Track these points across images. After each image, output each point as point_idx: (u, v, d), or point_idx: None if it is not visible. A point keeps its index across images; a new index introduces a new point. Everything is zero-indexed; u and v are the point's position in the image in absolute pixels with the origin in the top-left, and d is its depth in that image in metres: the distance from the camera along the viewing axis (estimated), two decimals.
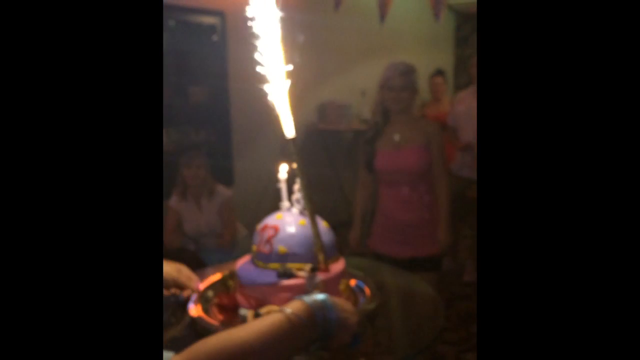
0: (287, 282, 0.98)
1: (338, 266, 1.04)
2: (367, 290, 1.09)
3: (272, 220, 1.05)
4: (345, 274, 1.06)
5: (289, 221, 1.04)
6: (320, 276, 0.97)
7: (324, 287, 0.95)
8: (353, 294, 1.08)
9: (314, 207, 1.01)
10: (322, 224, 1.06)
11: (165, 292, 1.09)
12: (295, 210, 1.06)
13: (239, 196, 3.41)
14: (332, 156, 4.48)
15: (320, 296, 0.79)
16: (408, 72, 2.08)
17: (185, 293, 1.10)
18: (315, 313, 0.76)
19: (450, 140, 3.15)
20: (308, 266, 1.00)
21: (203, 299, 1.07)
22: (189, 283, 1.09)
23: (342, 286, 1.03)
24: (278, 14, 0.95)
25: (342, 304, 0.81)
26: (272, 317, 0.73)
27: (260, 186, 4.06)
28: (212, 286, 1.13)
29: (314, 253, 1.00)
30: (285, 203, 1.09)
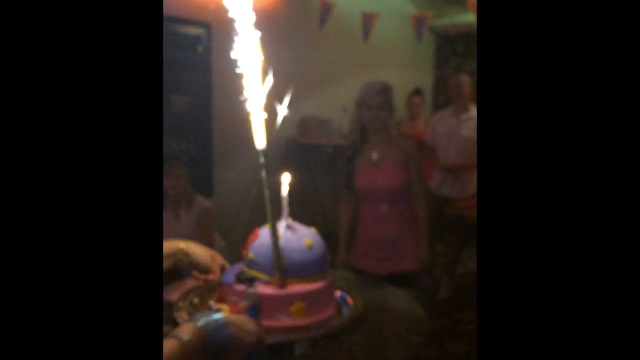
0: (238, 286, 1.02)
1: (323, 282, 1.06)
2: (350, 301, 1.12)
3: (265, 227, 1.09)
4: (333, 289, 1.11)
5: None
6: (258, 289, 1.00)
7: (257, 299, 0.97)
8: (337, 305, 1.11)
9: (275, 220, 1.03)
10: (318, 238, 1.10)
11: (197, 275, 1.18)
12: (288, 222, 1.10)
13: (218, 207, 3.40)
14: (313, 170, 4.51)
15: (215, 316, 0.81)
16: (384, 90, 2.10)
17: (211, 277, 1.18)
18: (207, 334, 0.77)
19: (428, 159, 3.20)
20: (264, 276, 1.03)
21: (191, 305, 1.08)
22: (218, 271, 1.19)
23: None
24: (252, 24, 0.99)
25: (242, 323, 0.82)
26: (166, 343, 0.73)
27: (239, 197, 4.06)
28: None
29: (274, 265, 1.02)
30: (284, 215, 1.12)
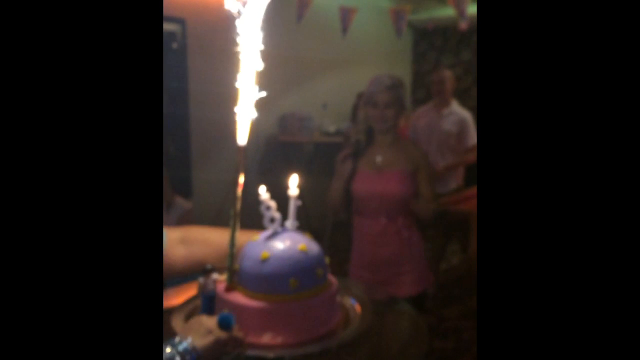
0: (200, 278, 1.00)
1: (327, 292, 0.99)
2: (358, 308, 1.06)
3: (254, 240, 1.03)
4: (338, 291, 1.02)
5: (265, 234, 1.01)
6: (211, 280, 0.98)
7: (209, 291, 0.97)
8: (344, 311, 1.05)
9: (236, 220, 0.98)
10: (314, 246, 1.00)
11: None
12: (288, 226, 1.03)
13: (197, 208, 3.32)
14: (293, 168, 4.45)
15: (182, 344, 0.81)
16: (394, 86, 1.89)
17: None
18: None
19: None
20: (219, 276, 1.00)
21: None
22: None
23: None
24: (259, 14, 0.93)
25: (210, 345, 0.83)
26: None
27: (219, 198, 3.97)
28: None
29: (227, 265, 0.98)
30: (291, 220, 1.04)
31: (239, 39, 0.92)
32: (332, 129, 4.45)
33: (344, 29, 4.03)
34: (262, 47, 0.94)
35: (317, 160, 4.53)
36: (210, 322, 0.86)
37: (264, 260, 0.96)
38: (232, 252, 0.97)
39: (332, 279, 1.04)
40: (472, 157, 3.32)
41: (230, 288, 0.99)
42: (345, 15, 3.96)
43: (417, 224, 1.99)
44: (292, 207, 1.01)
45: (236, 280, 0.99)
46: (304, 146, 4.52)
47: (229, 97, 0.95)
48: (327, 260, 1.02)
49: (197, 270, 1.06)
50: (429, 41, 6.09)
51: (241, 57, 0.93)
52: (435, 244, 3.55)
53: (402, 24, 3.69)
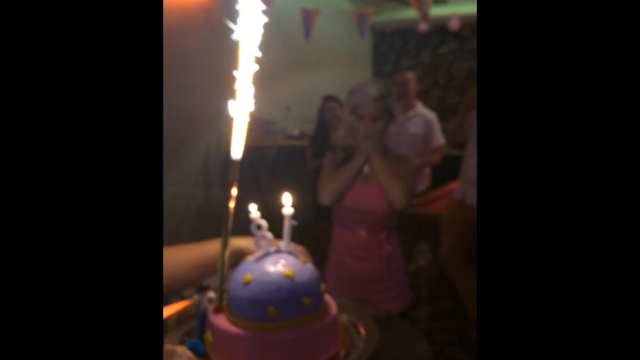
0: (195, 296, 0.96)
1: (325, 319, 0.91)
2: (362, 330, 1.00)
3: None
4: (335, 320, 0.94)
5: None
6: (206, 298, 0.94)
7: (202, 309, 0.92)
8: (347, 334, 0.99)
9: (227, 237, 0.91)
10: (306, 271, 0.91)
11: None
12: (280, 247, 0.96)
13: None
14: (257, 172, 4.37)
15: None
16: (382, 96, 1.71)
17: None
18: None
19: None
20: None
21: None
22: None
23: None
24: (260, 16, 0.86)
25: None
26: None
27: (180, 210, 3.85)
28: None
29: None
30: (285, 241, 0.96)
31: (237, 32, 0.84)
32: (295, 132, 4.40)
33: (307, 32, 3.98)
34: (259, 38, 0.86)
35: (282, 164, 4.47)
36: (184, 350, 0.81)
37: (246, 284, 0.90)
38: (222, 270, 0.91)
39: (331, 306, 0.95)
40: (438, 157, 3.34)
41: (218, 310, 0.94)
42: (308, 17, 3.91)
43: (400, 238, 1.90)
44: (286, 227, 0.94)
45: (225, 302, 0.94)
46: (267, 150, 4.44)
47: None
48: (322, 287, 0.94)
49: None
50: (389, 43, 6.14)
51: (241, 52, 0.85)
52: (404, 246, 3.56)
53: (365, 26, 3.68)
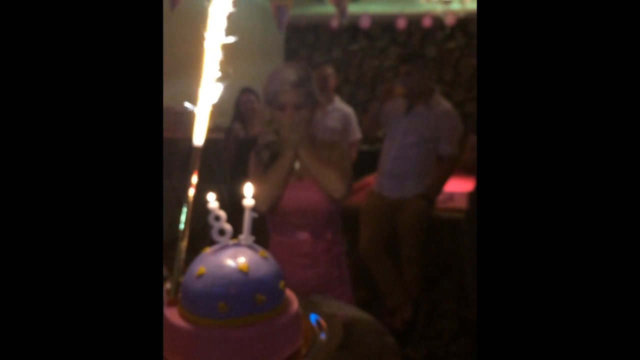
0: None
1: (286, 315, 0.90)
2: (324, 324, 0.99)
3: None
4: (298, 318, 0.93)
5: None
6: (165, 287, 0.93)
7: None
8: (311, 329, 0.97)
9: (186, 227, 0.94)
10: (263, 267, 0.90)
11: None
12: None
13: None
14: (169, 167, 4.19)
15: None
16: (302, 81, 1.53)
17: None
18: None
19: None
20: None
21: None
22: None
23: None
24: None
25: None
26: None
27: None
28: None
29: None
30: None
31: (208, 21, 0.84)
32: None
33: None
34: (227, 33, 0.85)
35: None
36: None
37: (199, 277, 0.87)
38: (178, 262, 0.88)
39: (291, 303, 0.94)
40: (355, 152, 3.43)
41: (171, 302, 0.91)
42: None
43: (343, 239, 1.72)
44: (247, 219, 0.91)
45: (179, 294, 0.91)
46: (179, 142, 4.26)
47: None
48: (281, 284, 0.92)
49: None
50: (301, 38, 6.17)
51: (207, 36, 0.84)
52: None
53: (283, 18, 3.66)
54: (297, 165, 1.60)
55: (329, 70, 3.36)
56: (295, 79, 1.53)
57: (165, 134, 4.00)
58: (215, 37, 0.85)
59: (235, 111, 3.64)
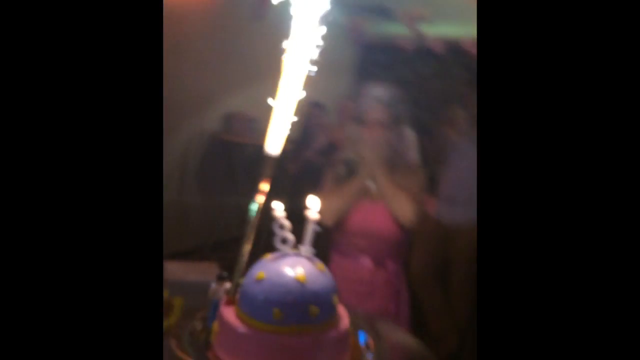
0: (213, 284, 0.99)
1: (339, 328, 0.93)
2: (372, 344, 1.01)
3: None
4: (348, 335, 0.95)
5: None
6: (223, 287, 0.96)
7: (217, 298, 0.94)
8: (358, 348, 0.99)
9: (252, 232, 0.96)
10: (320, 280, 0.93)
11: None
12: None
13: None
14: (235, 169, 4.34)
15: None
16: (395, 102, 1.51)
17: None
18: None
19: None
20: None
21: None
22: None
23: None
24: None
25: None
26: None
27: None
28: None
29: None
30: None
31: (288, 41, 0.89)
32: None
33: None
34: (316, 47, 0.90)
35: (260, 164, 4.45)
36: None
37: (258, 281, 0.90)
38: (241, 264, 0.93)
39: (342, 319, 0.95)
40: None
41: (229, 302, 0.95)
42: None
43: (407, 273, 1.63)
44: (309, 231, 0.95)
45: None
46: (247, 147, 4.41)
47: None
48: (334, 299, 0.94)
49: None
50: (373, 56, 6.19)
51: (287, 56, 0.90)
52: None
53: (361, 36, 3.72)
54: (371, 185, 1.53)
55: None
56: (387, 98, 1.51)
57: (234, 138, 4.17)
58: (297, 51, 0.90)
59: (302, 124, 3.72)
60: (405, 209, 1.48)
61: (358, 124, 1.54)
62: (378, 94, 1.52)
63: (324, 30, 1.00)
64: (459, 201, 2.75)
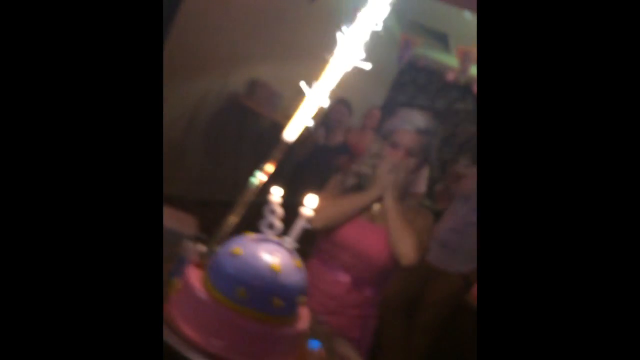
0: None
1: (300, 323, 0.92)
2: (322, 353, 0.98)
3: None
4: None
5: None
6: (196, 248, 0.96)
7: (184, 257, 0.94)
8: (306, 355, 0.97)
9: (243, 206, 0.94)
10: (293, 276, 0.91)
11: None
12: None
13: None
14: (242, 135, 4.30)
15: None
16: (428, 132, 1.46)
17: None
18: None
19: None
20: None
21: None
22: None
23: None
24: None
25: None
26: None
27: None
28: None
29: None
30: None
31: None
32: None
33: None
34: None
35: (268, 138, 4.40)
36: None
37: (233, 255, 0.89)
38: (222, 233, 0.92)
39: (301, 321, 0.94)
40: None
41: (198, 265, 0.94)
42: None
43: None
44: (298, 226, 0.92)
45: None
46: (262, 119, 4.36)
47: None
48: (301, 299, 0.92)
49: None
50: (414, 76, 6.17)
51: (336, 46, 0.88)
52: None
53: (407, 52, 3.69)
54: (376, 207, 1.49)
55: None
56: (423, 127, 1.45)
57: (253, 105, 4.11)
58: (347, 45, 0.88)
59: (323, 117, 3.67)
60: (407, 245, 1.41)
61: (383, 141, 1.49)
62: (416, 120, 1.46)
63: (375, 33, 0.98)
64: (450, 248, 2.72)
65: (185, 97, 3.71)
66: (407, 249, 1.40)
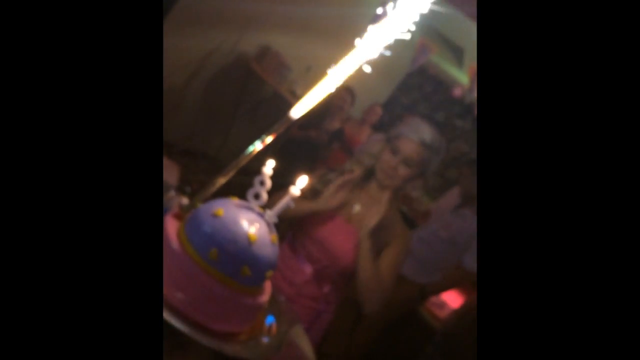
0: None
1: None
2: (274, 329, 1.00)
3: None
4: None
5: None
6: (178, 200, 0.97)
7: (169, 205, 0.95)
8: (260, 328, 0.98)
9: (234, 170, 0.95)
10: (268, 249, 0.92)
11: None
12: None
13: None
14: (245, 99, 4.27)
15: None
16: (432, 147, 1.43)
17: None
18: None
19: None
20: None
21: None
22: None
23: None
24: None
25: None
26: None
27: None
28: None
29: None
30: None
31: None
32: (299, 91, 4.30)
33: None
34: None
35: (266, 107, 4.37)
36: None
37: (213, 216, 0.89)
38: (207, 191, 0.95)
39: (265, 294, 0.96)
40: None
41: (177, 216, 0.95)
42: None
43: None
44: (282, 202, 0.93)
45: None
46: (266, 88, 4.32)
47: None
48: (269, 273, 0.93)
49: None
50: (420, 83, 6.16)
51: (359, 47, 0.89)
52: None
53: (423, 57, 3.69)
54: (357, 207, 1.48)
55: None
56: (428, 140, 1.42)
57: (259, 70, 4.06)
58: (374, 35, 0.90)
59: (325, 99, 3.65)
60: (373, 298, 1.42)
61: (386, 144, 1.47)
62: (424, 132, 1.43)
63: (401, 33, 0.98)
64: (415, 257, 2.71)
65: (194, 47, 3.65)
66: (372, 302, 1.42)
